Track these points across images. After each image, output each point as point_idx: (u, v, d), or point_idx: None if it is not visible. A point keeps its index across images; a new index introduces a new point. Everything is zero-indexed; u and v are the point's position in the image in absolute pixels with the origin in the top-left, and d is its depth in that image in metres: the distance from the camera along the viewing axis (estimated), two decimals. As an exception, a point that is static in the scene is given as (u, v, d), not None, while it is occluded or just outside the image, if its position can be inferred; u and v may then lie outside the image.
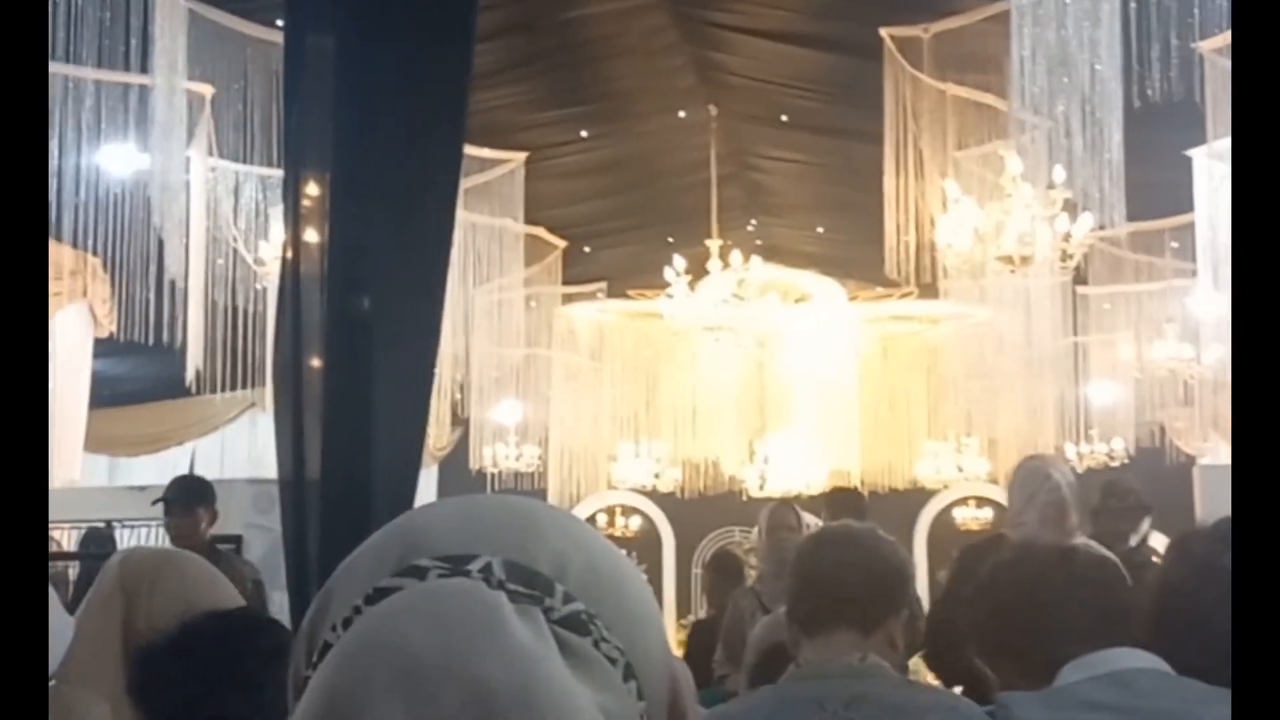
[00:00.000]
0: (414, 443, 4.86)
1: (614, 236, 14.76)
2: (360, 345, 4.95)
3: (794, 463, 14.42)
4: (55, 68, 7.91)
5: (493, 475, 15.02)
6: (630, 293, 14.46)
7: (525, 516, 0.84)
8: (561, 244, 13.82)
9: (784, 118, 12.40)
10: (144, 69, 8.07)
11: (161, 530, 9.33)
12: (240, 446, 14.51)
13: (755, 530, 7.74)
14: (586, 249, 14.51)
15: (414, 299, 4.92)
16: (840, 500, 7.27)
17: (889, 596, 2.71)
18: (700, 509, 16.89)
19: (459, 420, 14.69)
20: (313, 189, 5.27)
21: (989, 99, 9.36)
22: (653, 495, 17.48)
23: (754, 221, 15.57)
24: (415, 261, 4.99)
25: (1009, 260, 9.16)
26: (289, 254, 5.44)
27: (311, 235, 5.29)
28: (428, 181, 5.07)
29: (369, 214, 4.95)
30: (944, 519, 18.49)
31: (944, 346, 14.57)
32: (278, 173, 9.55)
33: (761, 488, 14.48)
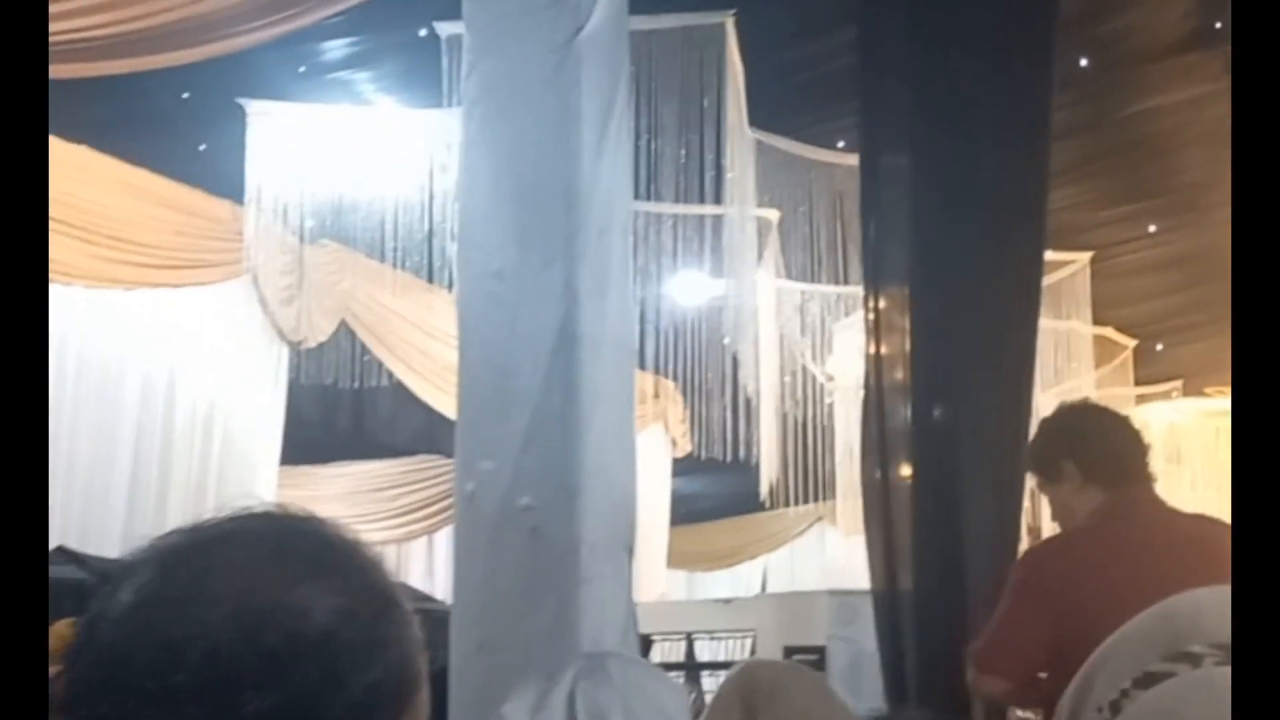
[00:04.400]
0: (1007, 551, 4.76)
1: (1188, 333, 14.05)
2: (947, 454, 4.91)
3: None
4: (637, 205, 8.47)
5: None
6: (1208, 390, 13.70)
7: None
8: (1131, 343, 13.31)
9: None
10: (717, 200, 8.48)
11: (745, 640, 9.63)
12: (810, 560, 14.72)
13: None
14: (1159, 347, 13.89)
15: (1000, 405, 4.84)
16: None
17: None
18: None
19: (1031, 529, 14.32)
20: (893, 301, 5.32)
21: None
22: (1243, 606, 16.29)
23: (1345, 308, 14.41)
24: (1000, 368, 4.92)
25: None
26: (872, 367, 5.51)
27: (894, 347, 5.33)
28: (1009, 286, 5.00)
29: (951, 322, 4.94)
30: None
31: None
32: (841, 289, 9.75)
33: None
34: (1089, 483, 3.47)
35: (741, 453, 10.22)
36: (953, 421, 5.03)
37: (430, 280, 9.66)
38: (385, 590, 0.98)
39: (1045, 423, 3.86)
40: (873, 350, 5.39)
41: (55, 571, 7.20)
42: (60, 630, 4.37)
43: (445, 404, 10.83)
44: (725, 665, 7.52)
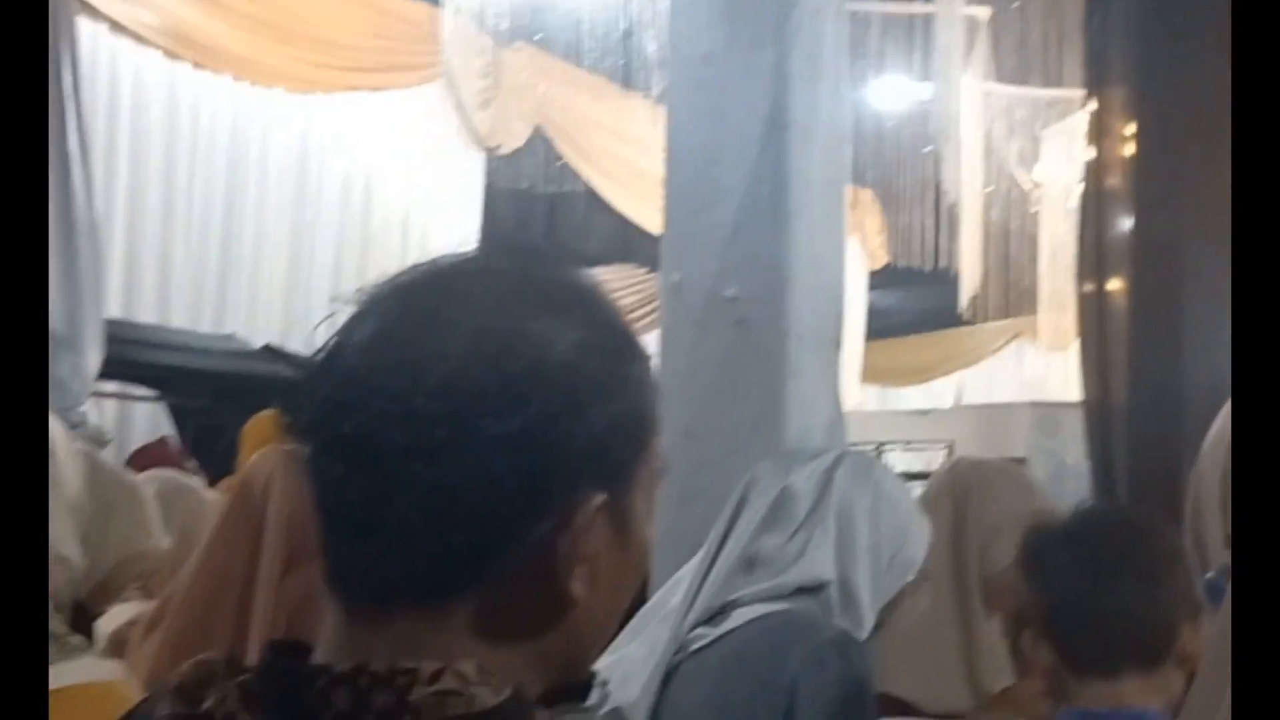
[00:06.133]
0: (1226, 364, 4.57)
1: None
2: (1167, 265, 4.71)
3: None
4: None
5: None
6: None
7: None
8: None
9: None
10: (927, -2, 8.17)
11: (941, 451, 9.53)
12: (1007, 377, 14.42)
13: None
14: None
15: (1225, 214, 4.61)
16: None
17: None
18: None
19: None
20: (1114, 104, 5.06)
21: None
22: None
23: None
24: (1227, 174, 4.67)
25: None
26: (1089, 173, 5.27)
27: (1112, 152, 5.09)
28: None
29: (1176, 125, 4.69)
30: None
31: None
32: (1052, 92, 9.36)
33: None
34: None
35: (942, 262, 10.01)
36: (1174, 230, 4.80)
37: (626, 84, 9.52)
38: (625, 329, 0.96)
39: None
40: (1091, 156, 5.16)
41: (262, 368, 7.42)
42: (256, 425, 4.50)
43: (639, 212, 10.80)
44: (920, 476, 7.45)
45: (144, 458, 4.65)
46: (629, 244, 11.50)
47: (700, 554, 2.27)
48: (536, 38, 9.47)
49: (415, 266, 0.96)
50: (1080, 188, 5.74)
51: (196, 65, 8.53)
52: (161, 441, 4.81)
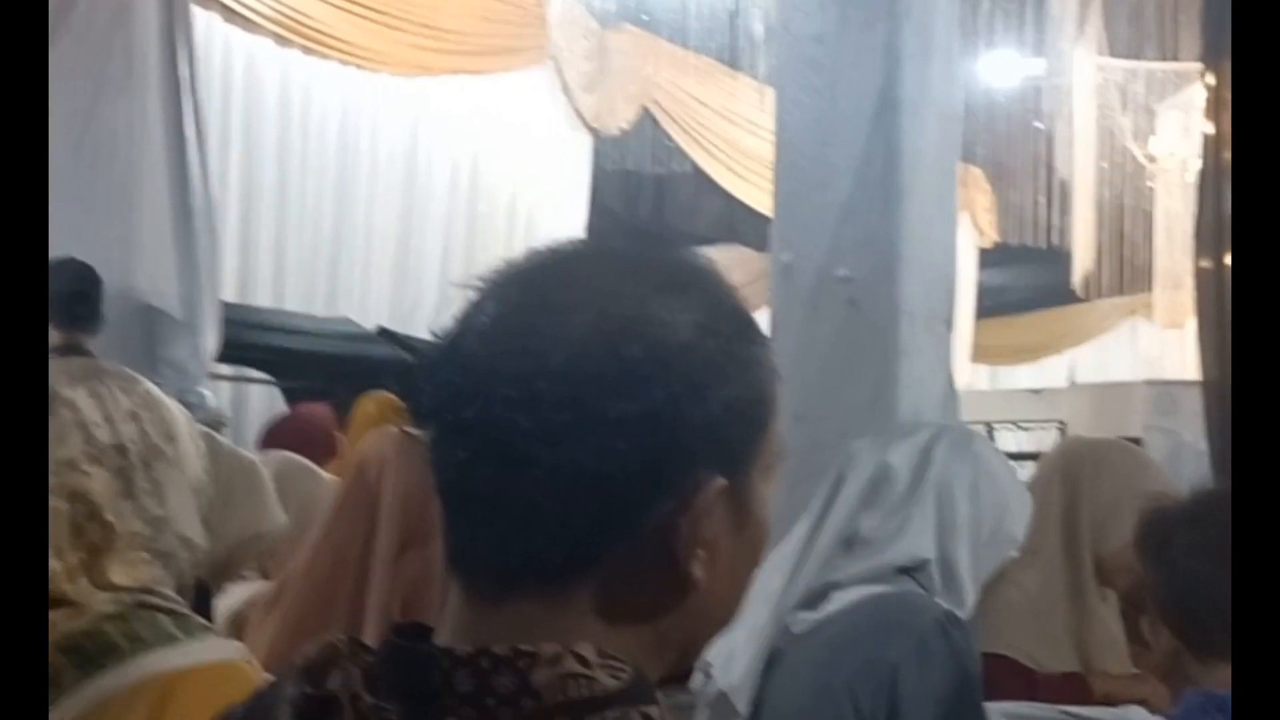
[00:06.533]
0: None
1: None
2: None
3: None
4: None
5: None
6: None
7: None
8: None
9: None
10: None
11: (1054, 431, 9.43)
12: (1121, 355, 14.18)
13: None
14: None
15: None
16: None
17: None
18: None
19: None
20: (1234, 75, 4.95)
21: None
22: None
23: None
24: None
25: None
26: (1208, 148, 5.16)
27: (1231, 124, 4.97)
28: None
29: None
30: None
31: None
32: (1167, 66, 9.17)
33: None
34: None
35: (1054, 239, 9.85)
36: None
37: (733, 65, 9.47)
38: (742, 311, 0.96)
39: None
40: (1213, 127, 5.04)
41: (376, 351, 7.50)
42: (365, 406, 4.55)
43: (745, 191, 10.76)
44: (1032, 456, 7.36)
45: (302, 416, 4.71)
46: (736, 224, 11.48)
47: (798, 534, 2.25)
48: (643, 19, 9.45)
49: (533, 251, 0.96)
50: (1198, 162, 5.62)
51: (306, 51, 8.63)
52: (324, 404, 4.88)
